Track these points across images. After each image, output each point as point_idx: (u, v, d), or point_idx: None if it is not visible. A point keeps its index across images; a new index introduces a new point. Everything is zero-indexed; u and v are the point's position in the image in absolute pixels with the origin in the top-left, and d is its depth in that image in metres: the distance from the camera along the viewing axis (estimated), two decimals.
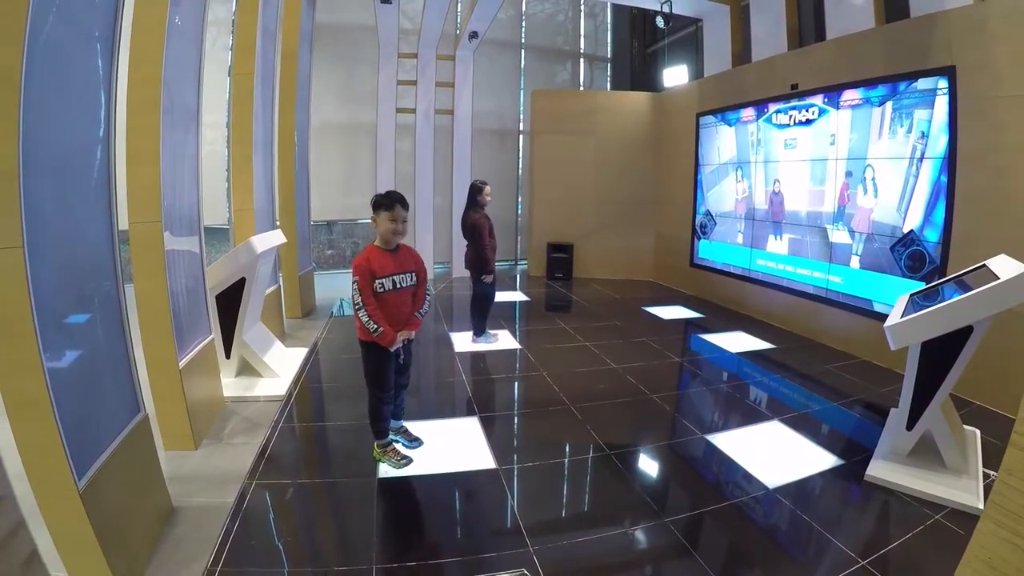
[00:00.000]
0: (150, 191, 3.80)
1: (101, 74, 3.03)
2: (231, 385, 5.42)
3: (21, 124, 2.32)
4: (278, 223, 7.70)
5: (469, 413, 5.10)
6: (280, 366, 5.82)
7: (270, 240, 5.81)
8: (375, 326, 3.80)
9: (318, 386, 5.74)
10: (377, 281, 3.86)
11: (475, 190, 6.66)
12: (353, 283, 3.80)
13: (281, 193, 7.95)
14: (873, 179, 6.60)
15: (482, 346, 7.04)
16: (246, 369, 5.68)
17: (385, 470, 4.02)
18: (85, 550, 2.57)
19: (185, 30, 4.24)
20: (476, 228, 6.59)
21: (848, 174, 6.98)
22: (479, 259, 6.70)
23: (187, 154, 4.45)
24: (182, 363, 4.16)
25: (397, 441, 4.34)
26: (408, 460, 4.16)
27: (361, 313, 3.79)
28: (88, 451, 2.70)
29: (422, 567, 3.06)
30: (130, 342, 3.27)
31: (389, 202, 3.91)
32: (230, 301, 5.40)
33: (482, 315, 7.15)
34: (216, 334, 5.23)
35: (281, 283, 7.77)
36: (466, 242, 6.82)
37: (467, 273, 7.04)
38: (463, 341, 7.20)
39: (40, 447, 2.44)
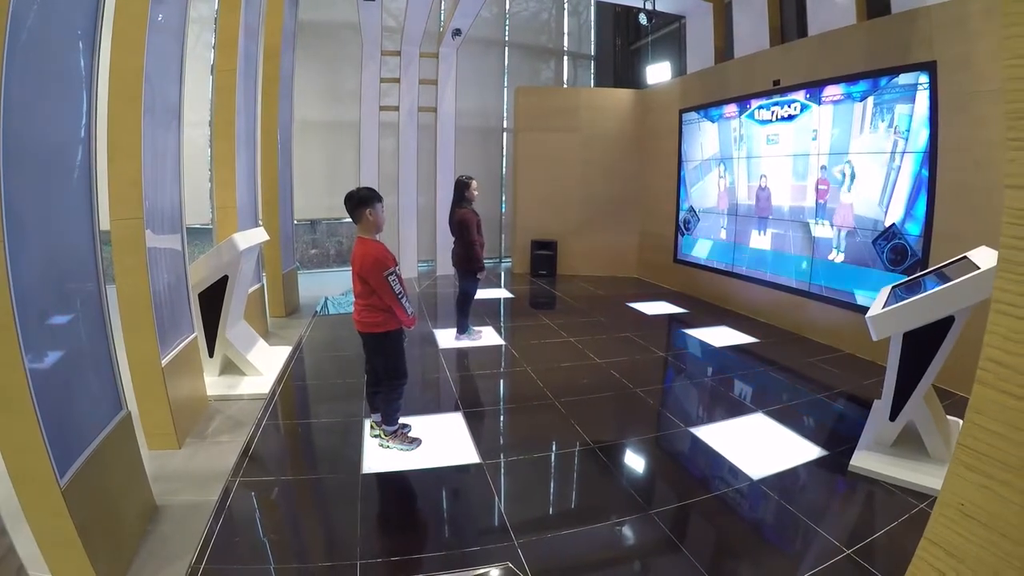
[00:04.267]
0: (131, 187, 3.77)
1: (83, 70, 3.00)
2: (214, 383, 5.38)
3: (1, 119, 2.30)
4: (261, 221, 7.65)
5: (454, 409, 5.09)
6: (264, 364, 5.79)
7: (253, 237, 5.77)
8: (412, 309, 4.07)
9: (302, 384, 5.71)
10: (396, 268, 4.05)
11: (462, 186, 6.58)
12: (389, 274, 3.90)
13: (264, 191, 7.90)
14: (854, 174, 6.65)
15: (465, 343, 7.03)
16: (229, 367, 5.64)
17: (369, 466, 4.01)
18: (67, 548, 2.55)
19: (167, 26, 4.20)
20: (464, 224, 6.53)
21: (823, 168, 7.02)
22: (468, 256, 6.65)
23: (169, 151, 4.42)
24: (165, 361, 4.14)
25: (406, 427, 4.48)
26: (418, 441, 4.33)
27: (404, 301, 3.97)
28: (70, 448, 2.67)
29: (406, 562, 3.05)
30: (112, 340, 3.23)
31: (377, 195, 4.04)
32: (213, 299, 5.37)
33: (464, 312, 7.13)
34: (199, 332, 5.19)
35: (264, 282, 7.72)
36: (453, 239, 6.77)
37: (451, 271, 6.99)
38: (447, 338, 7.19)
39: (21, 444, 2.41)
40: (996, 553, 1.80)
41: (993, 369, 1.85)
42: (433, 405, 5.28)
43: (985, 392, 1.89)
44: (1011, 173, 1.78)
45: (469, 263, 6.64)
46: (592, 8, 14.61)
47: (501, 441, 4.64)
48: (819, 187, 7.19)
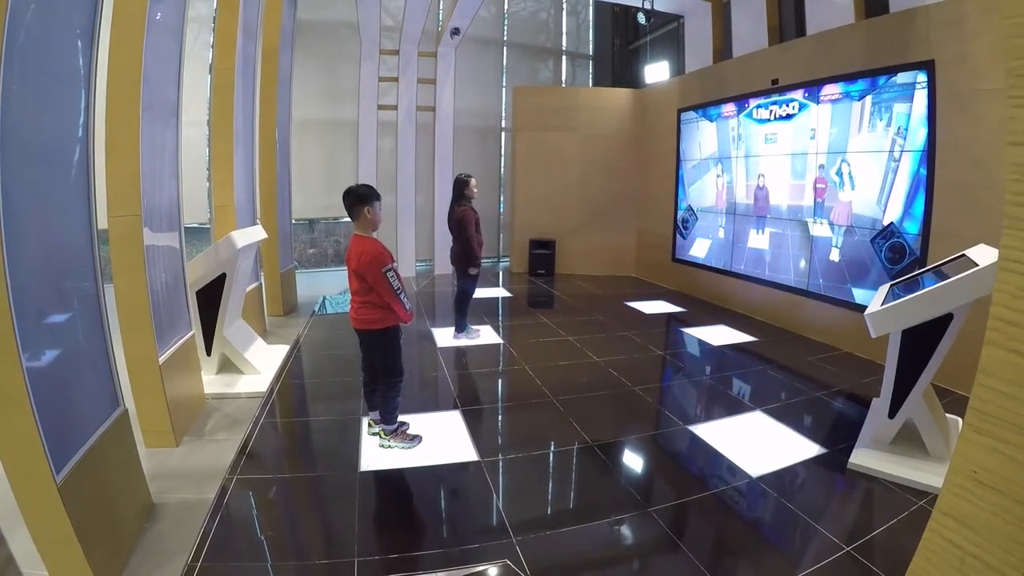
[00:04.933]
0: (129, 185, 3.77)
1: (81, 68, 2.99)
2: (212, 382, 5.36)
3: (0, 117, 2.29)
4: (259, 220, 7.63)
5: (452, 407, 5.08)
6: (261, 363, 5.77)
7: (250, 236, 5.77)
8: (410, 304, 4.08)
9: (300, 383, 5.70)
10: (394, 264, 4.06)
11: (461, 183, 6.58)
12: (388, 271, 3.91)
13: (262, 190, 7.89)
14: (851, 173, 6.65)
15: (464, 341, 7.02)
16: (227, 366, 5.63)
17: (367, 463, 4.00)
18: (64, 545, 2.54)
19: (166, 25, 4.19)
20: (463, 222, 6.53)
21: (821, 167, 7.03)
22: (466, 254, 6.65)
23: (167, 149, 4.41)
24: (162, 359, 4.12)
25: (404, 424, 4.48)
26: (419, 438, 4.35)
27: (403, 297, 3.99)
28: (67, 445, 2.66)
29: (404, 559, 3.04)
30: (109, 337, 3.23)
31: (376, 193, 4.06)
32: (211, 297, 5.35)
33: (462, 311, 7.13)
34: (197, 330, 5.18)
35: (262, 280, 7.70)
36: (452, 238, 6.77)
37: (450, 270, 6.97)
38: (445, 337, 7.18)
39: (18, 441, 2.40)
40: (1011, 521, 1.74)
41: (1002, 328, 1.80)
42: (431, 403, 5.27)
43: (994, 352, 1.82)
44: (1013, 131, 1.75)
45: (468, 261, 6.65)
46: (590, 8, 14.60)
47: (499, 439, 4.64)
48: (817, 186, 7.19)
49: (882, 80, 6.23)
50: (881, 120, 6.26)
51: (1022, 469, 1.73)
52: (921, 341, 3.73)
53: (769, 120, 7.99)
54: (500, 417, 5.09)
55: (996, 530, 1.79)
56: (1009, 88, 1.74)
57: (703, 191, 9.69)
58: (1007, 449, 1.77)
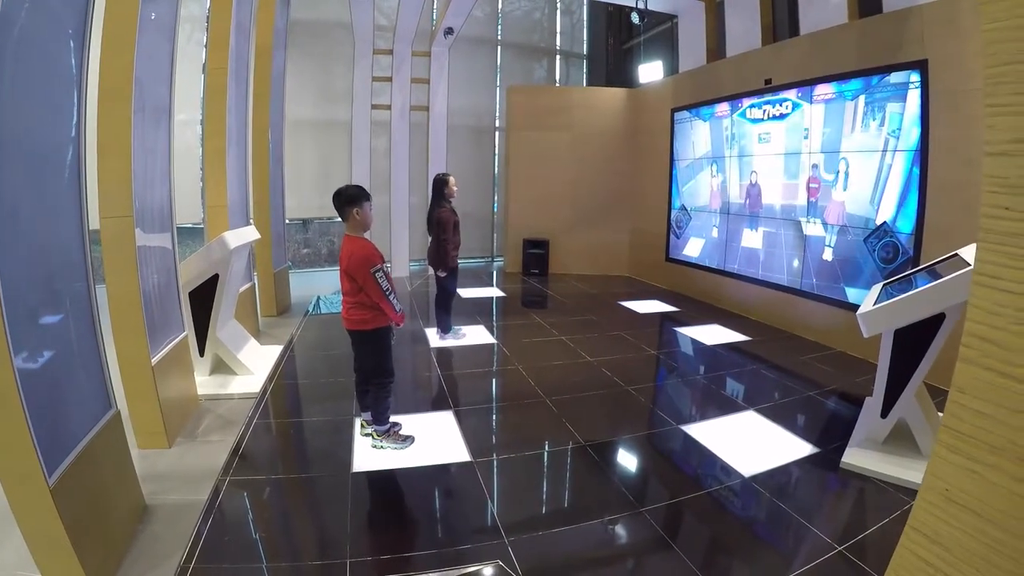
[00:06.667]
0: (121, 186, 3.75)
1: (73, 68, 2.98)
2: (205, 383, 5.35)
3: None
4: (252, 220, 7.62)
5: (444, 407, 5.07)
6: (255, 364, 5.76)
7: (244, 236, 5.75)
8: (400, 306, 4.06)
9: (293, 383, 5.68)
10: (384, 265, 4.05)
11: (440, 183, 6.60)
12: (376, 271, 3.91)
13: (255, 190, 7.87)
14: (846, 172, 6.66)
15: (451, 341, 7.02)
16: (220, 367, 5.62)
17: (360, 464, 4.00)
18: (57, 547, 2.53)
19: (158, 25, 4.18)
20: (442, 224, 6.53)
21: (815, 166, 7.04)
22: (438, 255, 6.66)
23: (159, 149, 4.39)
24: (155, 360, 4.11)
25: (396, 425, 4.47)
26: (412, 439, 4.34)
27: (392, 298, 3.98)
28: (59, 447, 2.65)
29: (396, 560, 3.04)
30: (101, 338, 3.22)
31: (366, 193, 4.04)
32: (203, 298, 5.34)
33: (446, 311, 7.12)
34: (189, 331, 5.17)
35: (256, 281, 7.69)
36: (429, 237, 6.78)
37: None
38: (438, 337, 7.17)
39: (9, 443, 2.39)
40: (984, 541, 1.73)
41: (977, 345, 1.77)
42: (424, 404, 5.26)
43: (969, 369, 1.79)
44: (990, 140, 1.71)
45: (440, 263, 6.69)
46: (585, 7, 14.63)
47: (492, 440, 4.64)
48: (810, 185, 7.20)
49: (875, 80, 6.24)
50: (874, 120, 6.28)
51: (995, 490, 1.71)
52: (913, 341, 3.74)
53: (762, 120, 8.01)
54: (493, 417, 5.09)
55: (969, 550, 1.78)
56: (987, 95, 1.71)
57: (696, 191, 9.71)
58: (980, 469, 1.76)
